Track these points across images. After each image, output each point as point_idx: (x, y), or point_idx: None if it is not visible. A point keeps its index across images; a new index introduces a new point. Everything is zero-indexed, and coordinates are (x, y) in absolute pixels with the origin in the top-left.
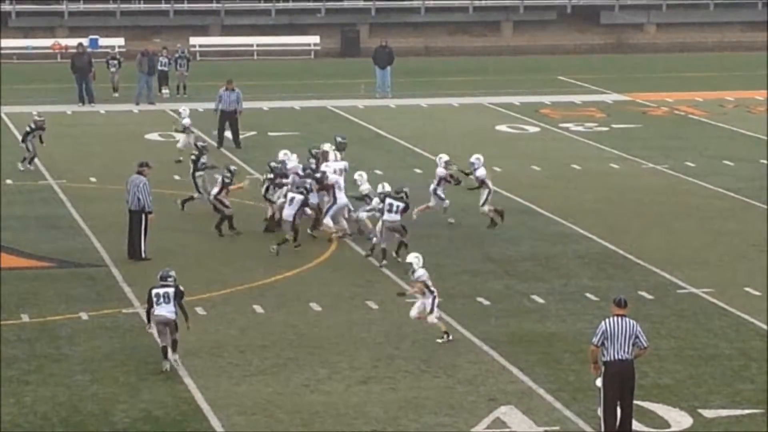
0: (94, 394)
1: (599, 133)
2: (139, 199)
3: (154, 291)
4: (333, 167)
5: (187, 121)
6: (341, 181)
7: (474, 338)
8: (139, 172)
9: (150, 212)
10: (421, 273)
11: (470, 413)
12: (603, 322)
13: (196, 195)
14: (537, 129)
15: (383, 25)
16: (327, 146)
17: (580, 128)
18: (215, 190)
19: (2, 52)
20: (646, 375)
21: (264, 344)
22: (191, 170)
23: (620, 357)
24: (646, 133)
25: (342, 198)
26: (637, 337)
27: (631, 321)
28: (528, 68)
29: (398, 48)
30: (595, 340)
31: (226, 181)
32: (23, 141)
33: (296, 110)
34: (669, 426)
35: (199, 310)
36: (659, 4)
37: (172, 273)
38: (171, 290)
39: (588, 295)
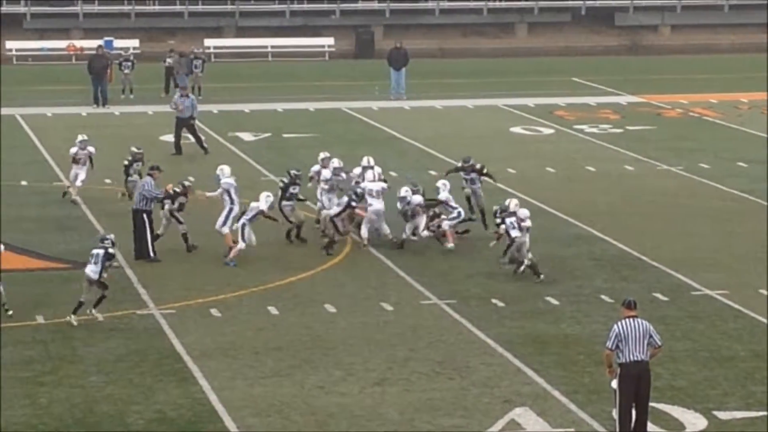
0: (109, 395)
1: (614, 134)
2: (144, 198)
3: (93, 250)
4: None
5: (91, 149)
6: (377, 187)
7: (488, 340)
8: (150, 175)
9: (150, 210)
10: None
11: (485, 415)
12: (615, 325)
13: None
14: (551, 131)
15: (398, 26)
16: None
17: (594, 130)
18: (335, 210)
19: (17, 53)
20: (661, 377)
21: (278, 346)
22: (278, 198)
23: (635, 358)
24: (661, 135)
25: (377, 204)
26: (650, 336)
27: (643, 321)
28: (542, 70)
29: (413, 50)
30: (608, 344)
31: (353, 203)
32: (127, 175)
33: (310, 112)
34: (684, 428)
35: (214, 312)
36: (674, 5)
37: (110, 236)
38: (101, 252)
39: (602, 297)
